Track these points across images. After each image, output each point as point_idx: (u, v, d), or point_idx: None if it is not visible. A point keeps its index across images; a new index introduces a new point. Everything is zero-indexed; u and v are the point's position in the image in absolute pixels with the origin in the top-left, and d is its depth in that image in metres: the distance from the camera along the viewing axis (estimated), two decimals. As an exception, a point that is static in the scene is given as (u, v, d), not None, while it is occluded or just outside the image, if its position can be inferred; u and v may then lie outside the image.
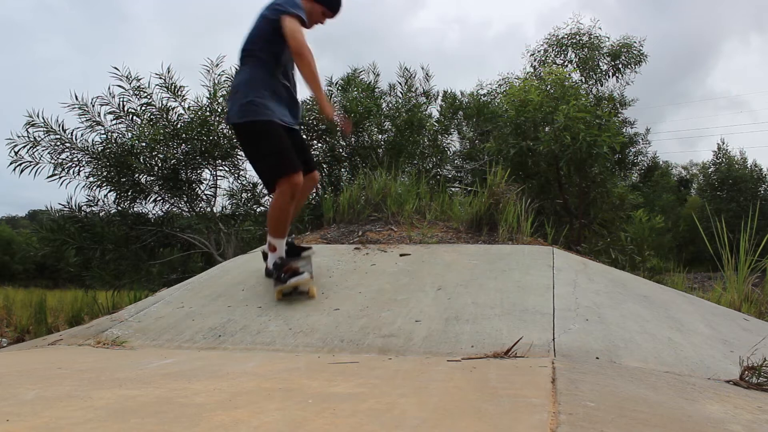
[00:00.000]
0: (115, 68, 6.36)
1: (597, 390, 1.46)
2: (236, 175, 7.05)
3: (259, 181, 7.30)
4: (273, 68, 2.78)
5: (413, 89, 8.36)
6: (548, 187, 7.07)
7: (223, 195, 7.26)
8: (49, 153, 6.18)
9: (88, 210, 6.58)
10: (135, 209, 6.75)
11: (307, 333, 2.40)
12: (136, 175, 6.41)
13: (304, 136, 7.57)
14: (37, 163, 6.16)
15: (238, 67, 2.92)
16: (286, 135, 2.78)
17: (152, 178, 6.51)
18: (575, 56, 11.66)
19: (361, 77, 8.16)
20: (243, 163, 6.99)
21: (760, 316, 3.33)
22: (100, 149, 6.24)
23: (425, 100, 8.47)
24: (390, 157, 6.70)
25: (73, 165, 6.28)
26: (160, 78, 6.51)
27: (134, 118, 6.41)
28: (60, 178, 6.26)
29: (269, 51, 2.76)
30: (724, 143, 24.00)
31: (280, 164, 2.71)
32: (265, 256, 3.13)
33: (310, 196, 7.67)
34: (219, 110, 6.58)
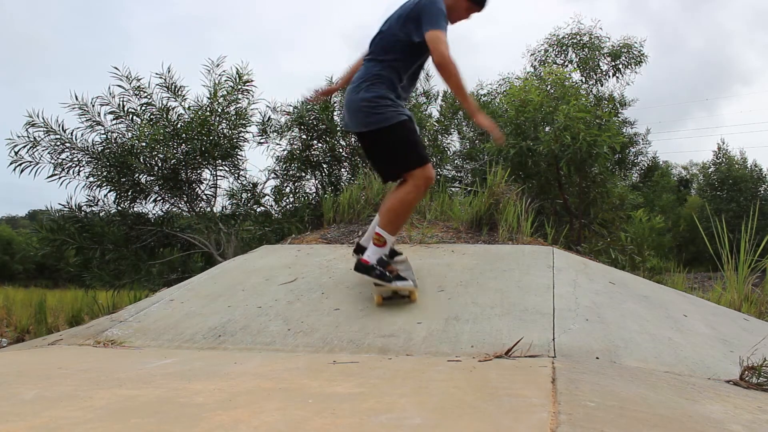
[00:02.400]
0: (115, 68, 6.37)
1: (597, 390, 1.46)
2: (236, 175, 7.05)
3: (261, 180, 7.39)
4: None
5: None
6: (548, 187, 7.07)
7: (223, 195, 7.26)
8: (49, 153, 6.18)
9: (88, 210, 6.58)
10: (135, 209, 6.75)
11: (307, 333, 2.40)
12: (136, 175, 6.41)
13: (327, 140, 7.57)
14: (37, 163, 6.16)
15: None
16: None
17: (152, 178, 6.50)
18: (575, 56, 11.67)
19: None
20: (243, 163, 7.00)
21: (760, 316, 3.33)
22: (100, 149, 6.23)
23: (425, 100, 8.46)
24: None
25: (73, 165, 6.28)
26: (161, 78, 6.51)
27: (134, 118, 6.41)
28: (60, 178, 6.26)
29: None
30: (724, 143, 24.04)
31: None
32: (359, 249, 2.97)
33: (310, 196, 7.69)
34: (219, 110, 6.58)
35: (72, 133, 6.18)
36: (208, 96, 6.58)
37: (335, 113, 7.52)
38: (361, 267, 2.65)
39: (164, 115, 6.42)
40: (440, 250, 3.58)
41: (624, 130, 12.67)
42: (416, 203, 2.76)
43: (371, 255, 2.65)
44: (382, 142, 2.64)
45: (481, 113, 2.59)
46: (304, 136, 7.55)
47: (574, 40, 11.63)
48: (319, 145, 7.63)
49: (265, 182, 7.45)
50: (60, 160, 6.22)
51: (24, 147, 6.07)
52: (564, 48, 11.75)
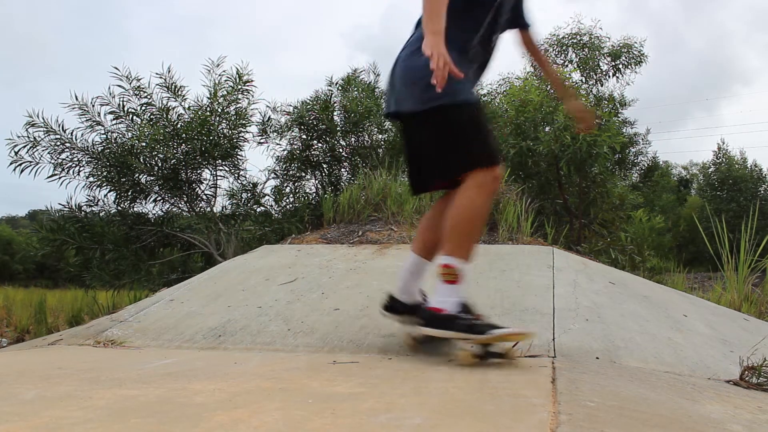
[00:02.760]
0: (115, 68, 6.37)
1: (597, 390, 1.46)
2: (236, 175, 7.05)
3: (261, 180, 7.40)
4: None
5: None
6: (548, 187, 7.08)
7: (223, 195, 7.27)
8: (49, 153, 6.18)
9: (88, 210, 6.58)
10: (135, 209, 6.75)
11: (307, 333, 2.40)
12: (136, 175, 6.41)
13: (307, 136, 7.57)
14: (37, 163, 6.17)
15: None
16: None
17: (152, 178, 6.50)
18: (575, 56, 11.67)
19: (361, 77, 8.16)
20: (243, 163, 7.00)
21: (760, 316, 3.33)
22: (100, 149, 6.24)
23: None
24: (390, 157, 6.69)
25: (73, 165, 6.28)
26: (161, 78, 6.51)
27: (134, 118, 6.41)
28: (60, 178, 6.27)
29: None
30: (724, 143, 24.05)
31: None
32: (397, 308, 2.12)
33: (310, 196, 7.70)
34: (219, 110, 6.59)
35: (72, 133, 6.19)
36: (208, 96, 6.59)
37: (335, 113, 7.52)
38: (436, 320, 1.82)
39: (164, 115, 6.43)
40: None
41: (624, 130, 12.67)
42: (488, 212, 1.95)
43: (446, 299, 1.83)
44: (446, 124, 1.87)
45: (437, 38, 1.73)
46: (304, 136, 7.56)
47: (574, 40, 11.64)
48: (319, 145, 7.63)
49: (265, 182, 7.46)
50: (60, 160, 6.22)
51: (24, 147, 6.08)
52: (564, 48, 11.75)
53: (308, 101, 7.63)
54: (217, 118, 6.56)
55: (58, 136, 6.12)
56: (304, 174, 7.69)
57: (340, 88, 7.99)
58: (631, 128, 14.68)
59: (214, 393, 1.41)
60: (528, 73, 10.17)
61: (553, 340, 2.13)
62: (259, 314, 2.67)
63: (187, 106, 6.58)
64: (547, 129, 6.58)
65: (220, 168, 6.87)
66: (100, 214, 6.63)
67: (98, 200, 6.58)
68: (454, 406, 1.28)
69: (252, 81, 6.76)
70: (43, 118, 6.04)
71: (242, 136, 6.84)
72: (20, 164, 6.09)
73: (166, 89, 6.53)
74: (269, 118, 7.52)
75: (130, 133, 6.33)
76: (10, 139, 6.05)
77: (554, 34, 11.92)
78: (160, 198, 6.72)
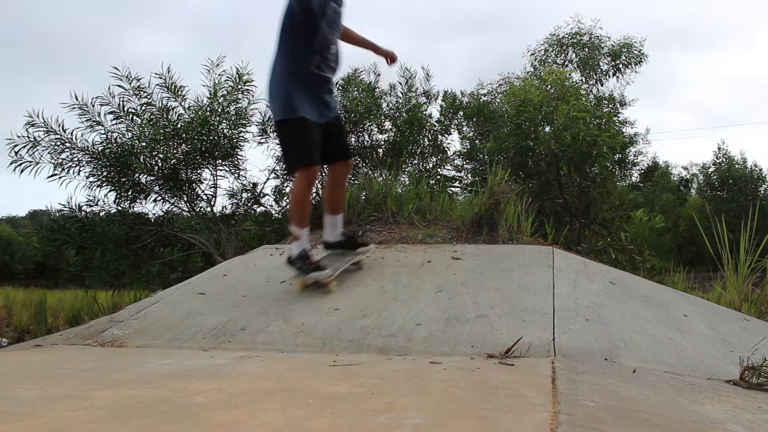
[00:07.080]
0: (115, 68, 6.37)
1: (597, 390, 1.46)
2: (236, 175, 7.04)
3: (261, 180, 7.39)
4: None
5: (413, 89, 8.35)
6: (548, 187, 7.07)
7: (223, 195, 7.26)
8: (49, 153, 6.18)
9: (88, 210, 6.57)
10: (135, 209, 6.74)
11: (307, 333, 2.40)
12: (136, 175, 6.40)
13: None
14: (37, 163, 6.16)
15: None
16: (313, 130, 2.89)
17: (152, 178, 6.50)
18: (575, 56, 11.66)
19: (361, 77, 8.15)
20: (243, 163, 6.99)
21: (760, 316, 3.33)
22: (100, 149, 6.23)
23: (425, 100, 8.46)
24: (390, 157, 6.69)
25: (73, 165, 6.27)
26: (160, 78, 6.50)
27: (134, 118, 6.41)
28: (60, 178, 6.26)
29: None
30: (724, 143, 24.01)
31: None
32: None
33: (311, 195, 7.67)
34: (219, 110, 6.58)
35: (72, 133, 6.18)
36: (208, 96, 6.58)
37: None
38: (288, 260, 3.04)
39: (164, 115, 6.42)
40: (440, 250, 3.58)
41: (624, 131, 12.65)
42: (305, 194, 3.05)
43: (293, 250, 2.99)
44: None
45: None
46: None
47: (574, 40, 11.61)
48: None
49: (265, 182, 7.45)
50: (60, 160, 6.22)
51: (24, 147, 6.08)
52: (564, 48, 11.74)
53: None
54: (218, 118, 6.55)
55: (58, 136, 6.12)
56: (304, 174, 7.66)
57: (340, 88, 7.98)
58: (631, 128, 14.65)
59: (214, 393, 1.41)
60: (528, 73, 10.17)
61: (553, 340, 2.13)
62: (259, 314, 2.67)
63: (187, 106, 6.57)
64: (547, 129, 6.58)
65: (220, 168, 6.85)
66: (101, 214, 6.62)
67: (98, 200, 6.58)
68: (454, 406, 1.28)
69: (252, 81, 6.75)
70: (43, 118, 6.04)
71: (242, 136, 6.83)
72: (20, 164, 6.09)
73: (166, 89, 6.52)
74: (270, 117, 7.51)
75: (130, 133, 6.32)
76: (10, 139, 6.05)
77: (554, 34, 11.91)
78: (160, 198, 6.71)
